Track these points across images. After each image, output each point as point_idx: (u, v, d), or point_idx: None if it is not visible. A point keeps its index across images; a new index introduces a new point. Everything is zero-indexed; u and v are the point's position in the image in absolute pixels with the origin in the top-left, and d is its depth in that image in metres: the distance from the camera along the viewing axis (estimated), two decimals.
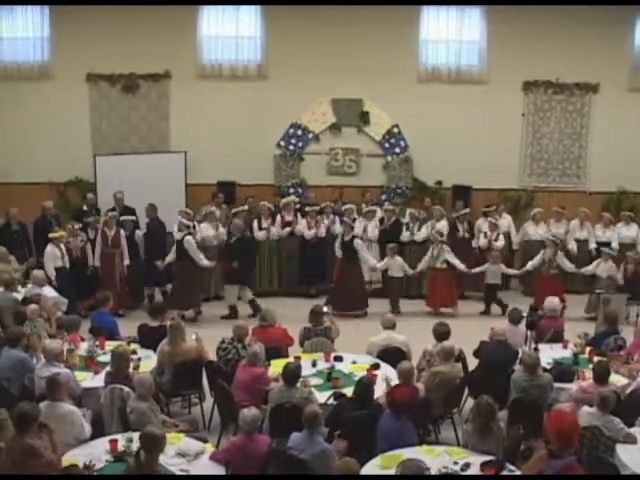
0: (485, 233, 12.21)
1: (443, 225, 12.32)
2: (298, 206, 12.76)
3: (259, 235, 12.13)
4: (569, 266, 11.57)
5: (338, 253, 11.75)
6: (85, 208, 12.23)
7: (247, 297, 11.41)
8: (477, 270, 11.69)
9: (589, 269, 11.56)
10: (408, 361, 7.34)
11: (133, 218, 11.78)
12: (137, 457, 5.20)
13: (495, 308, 11.64)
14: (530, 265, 11.63)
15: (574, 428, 5.42)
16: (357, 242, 11.48)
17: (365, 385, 6.54)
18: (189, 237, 11.08)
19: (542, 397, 6.96)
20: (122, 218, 11.61)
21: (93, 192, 12.68)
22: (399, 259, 11.57)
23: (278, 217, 12.39)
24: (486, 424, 5.95)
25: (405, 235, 12.20)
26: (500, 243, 12.11)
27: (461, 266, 11.59)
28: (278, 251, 12.36)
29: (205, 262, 11.17)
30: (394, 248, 11.53)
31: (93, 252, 11.29)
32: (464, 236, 12.39)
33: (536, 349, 7.59)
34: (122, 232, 11.37)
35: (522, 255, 12.57)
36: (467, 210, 12.68)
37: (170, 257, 11.30)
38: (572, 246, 12.28)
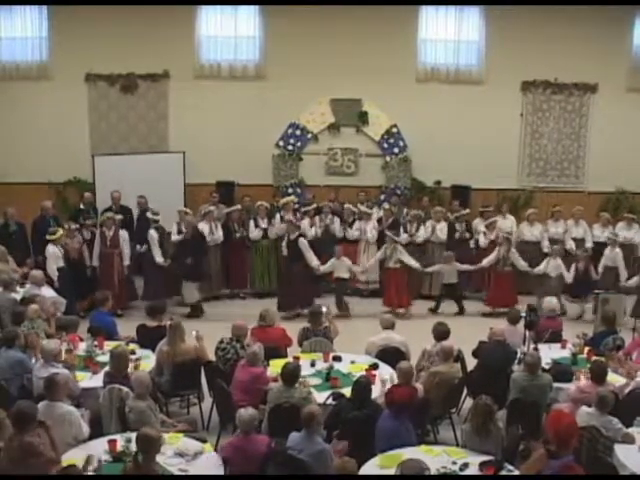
0: (484, 233, 12.21)
1: (442, 226, 12.35)
2: (296, 206, 12.78)
3: (255, 234, 12.12)
4: (522, 264, 11.61)
5: (284, 252, 11.69)
6: (82, 207, 12.22)
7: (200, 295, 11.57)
8: (430, 269, 11.72)
9: (540, 268, 11.55)
10: (407, 361, 7.34)
11: (120, 217, 11.68)
12: (135, 458, 5.21)
13: (452, 307, 11.64)
14: (486, 262, 11.62)
15: (572, 428, 5.42)
16: (301, 241, 11.40)
17: (363, 385, 6.54)
18: (152, 231, 11.25)
19: (541, 397, 6.96)
20: (106, 215, 11.55)
21: (91, 192, 12.68)
22: (346, 260, 11.51)
23: (277, 216, 12.41)
24: (484, 424, 5.95)
25: (404, 237, 12.18)
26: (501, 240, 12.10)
27: (415, 265, 11.60)
28: (275, 251, 12.36)
29: (158, 259, 11.22)
30: (339, 250, 11.49)
31: (89, 253, 11.25)
32: (462, 236, 12.38)
33: (536, 349, 7.59)
34: (121, 233, 11.35)
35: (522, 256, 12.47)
36: (467, 211, 12.66)
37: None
38: (570, 245, 12.26)
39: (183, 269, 11.32)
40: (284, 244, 11.69)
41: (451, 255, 11.57)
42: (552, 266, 11.41)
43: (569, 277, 11.29)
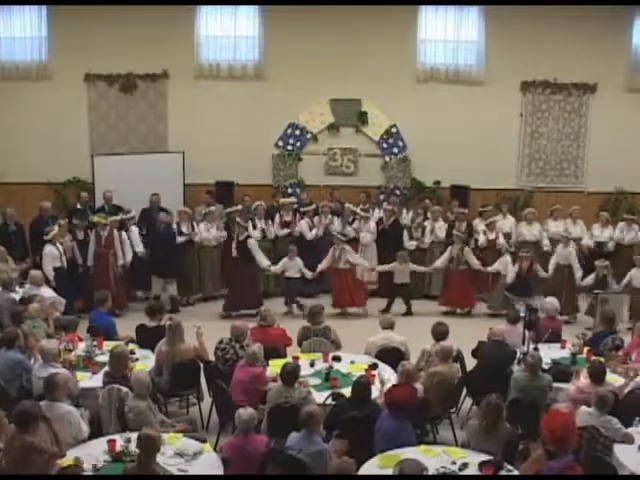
0: (484, 232, 12.21)
1: (441, 225, 12.36)
2: (295, 206, 12.79)
3: (254, 235, 12.12)
4: (475, 262, 11.61)
5: (234, 253, 11.58)
6: (79, 207, 12.19)
7: (169, 292, 11.64)
8: (381, 269, 11.68)
9: (494, 267, 11.58)
10: (409, 362, 7.34)
11: (117, 218, 11.68)
12: (139, 459, 5.23)
13: (399, 307, 11.62)
14: (439, 262, 11.63)
15: (568, 428, 5.43)
16: (250, 242, 11.35)
17: (362, 385, 6.54)
18: (133, 227, 11.72)
19: (541, 398, 6.96)
20: (112, 219, 11.58)
21: (88, 192, 12.67)
22: (299, 260, 11.44)
23: (277, 217, 12.41)
24: (494, 423, 5.97)
25: (412, 244, 12.14)
26: (501, 241, 12.11)
27: (365, 264, 11.59)
28: (274, 251, 12.36)
29: (128, 258, 11.45)
30: (291, 251, 11.45)
31: (80, 252, 11.20)
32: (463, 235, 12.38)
33: (536, 349, 7.58)
34: (115, 232, 11.32)
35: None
36: (465, 210, 12.65)
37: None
38: (547, 247, 12.27)
39: (152, 263, 11.62)
40: (234, 245, 11.55)
41: (405, 255, 11.51)
42: (501, 265, 11.47)
43: (510, 276, 11.30)
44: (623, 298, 10.65)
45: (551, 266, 11.45)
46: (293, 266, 11.49)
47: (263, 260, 11.42)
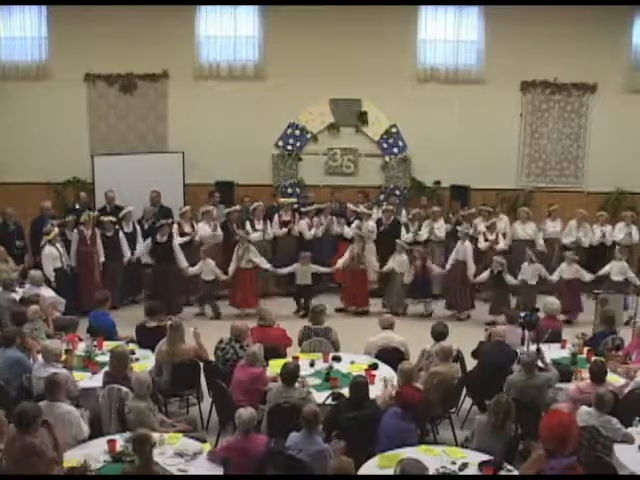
0: (484, 233, 12.20)
1: (440, 225, 12.35)
2: (295, 206, 12.79)
3: (253, 236, 12.11)
4: (375, 264, 11.64)
5: (146, 259, 11.43)
6: (77, 207, 12.18)
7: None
8: (285, 271, 11.59)
9: (389, 266, 11.61)
10: (409, 361, 7.35)
11: (112, 218, 11.71)
12: (138, 459, 5.23)
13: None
14: (340, 263, 11.56)
15: (568, 427, 5.43)
16: (174, 243, 11.30)
17: (359, 385, 6.54)
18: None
19: (539, 397, 6.96)
20: (103, 218, 11.62)
21: (86, 192, 12.67)
22: (211, 262, 11.35)
23: (276, 216, 12.41)
24: (503, 421, 5.99)
25: (408, 236, 12.14)
26: (502, 244, 12.05)
27: (266, 265, 11.56)
28: (273, 252, 12.36)
29: (127, 254, 11.65)
30: (204, 252, 11.36)
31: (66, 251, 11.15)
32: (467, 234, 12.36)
33: (538, 349, 7.57)
34: (97, 231, 11.34)
35: (514, 256, 12.39)
36: (472, 210, 12.64)
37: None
38: (542, 246, 12.30)
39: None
40: (148, 249, 11.39)
41: (307, 256, 11.48)
42: (397, 263, 11.50)
43: (409, 278, 11.39)
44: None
45: (450, 261, 11.55)
46: (206, 268, 11.32)
47: (182, 261, 11.33)
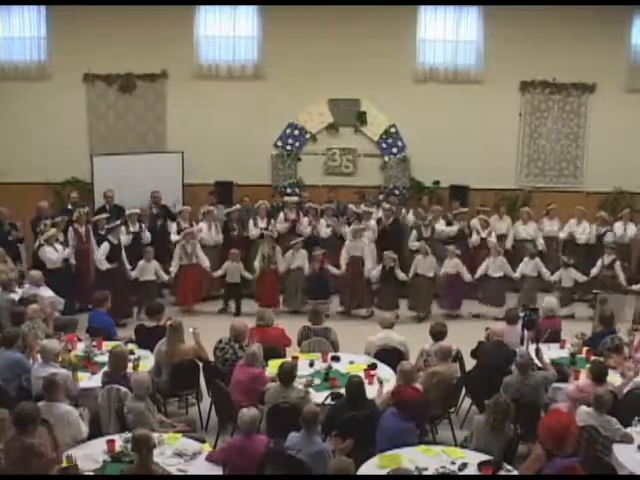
0: (477, 231, 12.23)
1: (441, 225, 12.35)
2: (296, 205, 12.79)
3: (253, 233, 12.12)
4: (283, 265, 11.60)
5: (104, 265, 11.02)
6: (70, 207, 12.13)
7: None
8: (219, 274, 11.50)
9: (294, 265, 11.61)
10: (408, 361, 7.34)
11: (105, 215, 11.69)
12: (137, 459, 5.23)
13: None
14: (256, 264, 11.51)
15: (567, 427, 5.44)
16: (108, 247, 11.08)
17: (355, 385, 6.54)
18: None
19: (536, 396, 6.96)
20: (96, 217, 11.61)
21: (85, 192, 12.69)
22: (155, 263, 11.23)
23: (281, 214, 12.41)
24: (502, 421, 5.99)
25: (415, 244, 11.97)
26: (493, 239, 12.13)
27: (206, 263, 11.48)
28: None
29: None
30: (149, 253, 11.19)
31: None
32: (462, 234, 12.37)
33: (537, 349, 7.57)
34: (90, 228, 11.30)
35: (516, 256, 12.43)
36: (465, 210, 12.67)
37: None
38: (542, 246, 12.36)
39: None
40: (104, 256, 10.98)
41: (236, 254, 11.45)
42: (298, 262, 11.53)
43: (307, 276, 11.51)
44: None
45: (343, 260, 11.57)
46: (148, 269, 11.16)
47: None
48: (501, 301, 11.57)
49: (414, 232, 12.22)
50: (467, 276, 11.55)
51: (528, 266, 11.57)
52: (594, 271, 11.58)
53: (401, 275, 11.28)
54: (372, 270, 11.40)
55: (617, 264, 11.47)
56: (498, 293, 11.62)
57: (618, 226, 12.39)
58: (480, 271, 11.62)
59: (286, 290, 11.74)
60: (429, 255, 11.45)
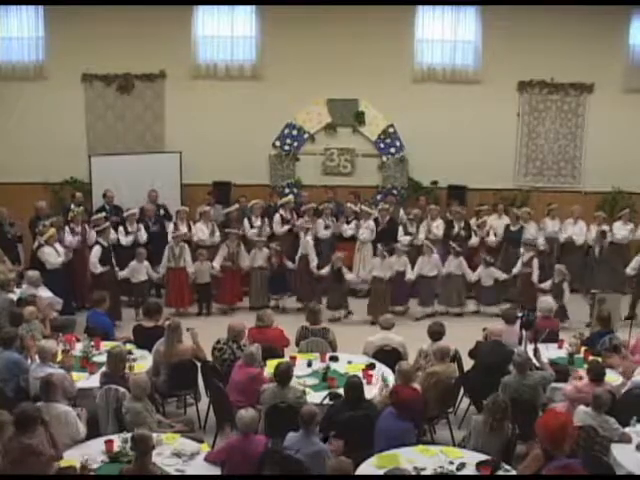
0: (474, 232, 12.24)
1: (438, 224, 12.36)
2: (292, 205, 12.78)
3: (251, 233, 12.11)
4: (247, 263, 11.61)
5: (97, 268, 10.89)
6: (73, 207, 12.14)
7: None
8: (192, 272, 11.40)
9: (246, 264, 11.65)
10: (406, 362, 7.34)
11: (102, 215, 11.67)
12: (136, 460, 5.23)
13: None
14: (216, 264, 11.49)
15: (565, 427, 5.44)
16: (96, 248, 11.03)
17: (353, 385, 6.53)
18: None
19: (534, 396, 6.96)
20: (94, 217, 11.57)
21: (85, 192, 12.65)
22: (146, 263, 11.22)
23: (277, 215, 12.39)
24: (500, 421, 5.99)
25: (406, 239, 12.09)
26: (492, 239, 12.16)
27: (190, 269, 11.41)
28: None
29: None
30: (141, 254, 11.15)
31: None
32: (459, 234, 12.37)
33: (536, 349, 7.58)
34: (87, 227, 11.33)
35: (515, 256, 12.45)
36: (463, 210, 12.66)
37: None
38: (544, 245, 12.32)
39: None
40: (97, 259, 10.87)
41: (203, 253, 11.45)
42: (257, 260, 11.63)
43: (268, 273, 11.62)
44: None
45: (298, 255, 11.71)
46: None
47: (95, 262, 11.12)
48: (460, 301, 11.75)
49: (401, 228, 12.28)
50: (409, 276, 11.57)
51: (452, 264, 11.62)
52: (514, 270, 11.61)
53: (349, 276, 11.37)
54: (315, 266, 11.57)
55: (535, 261, 11.47)
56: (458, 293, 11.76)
57: (617, 226, 12.39)
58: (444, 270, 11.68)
59: (252, 287, 11.73)
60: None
